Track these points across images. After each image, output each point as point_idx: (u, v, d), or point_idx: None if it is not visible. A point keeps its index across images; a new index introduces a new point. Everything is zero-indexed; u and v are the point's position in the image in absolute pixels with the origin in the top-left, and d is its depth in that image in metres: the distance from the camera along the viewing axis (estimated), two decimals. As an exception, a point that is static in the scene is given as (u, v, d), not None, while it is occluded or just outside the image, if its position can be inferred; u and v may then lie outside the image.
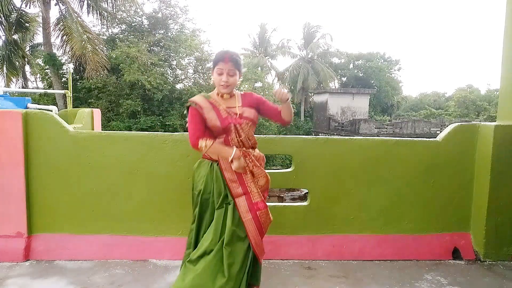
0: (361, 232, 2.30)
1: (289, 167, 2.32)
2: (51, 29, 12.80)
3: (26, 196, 2.14)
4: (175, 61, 15.87)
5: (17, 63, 14.82)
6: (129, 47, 13.65)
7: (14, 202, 2.13)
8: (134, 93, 14.36)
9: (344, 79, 30.96)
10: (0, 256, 2.09)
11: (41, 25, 13.47)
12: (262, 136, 2.26)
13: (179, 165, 2.20)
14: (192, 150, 2.20)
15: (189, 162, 2.21)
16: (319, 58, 27.47)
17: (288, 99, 1.55)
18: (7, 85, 13.95)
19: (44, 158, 2.16)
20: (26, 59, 15.81)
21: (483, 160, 2.28)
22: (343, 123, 21.09)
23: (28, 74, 17.62)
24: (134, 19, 15.86)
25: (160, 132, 2.31)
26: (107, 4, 13.41)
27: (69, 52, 12.75)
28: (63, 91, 9.53)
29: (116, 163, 2.19)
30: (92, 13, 13.30)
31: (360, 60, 30.63)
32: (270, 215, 1.60)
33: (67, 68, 12.44)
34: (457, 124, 2.38)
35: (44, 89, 14.02)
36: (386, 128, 19.48)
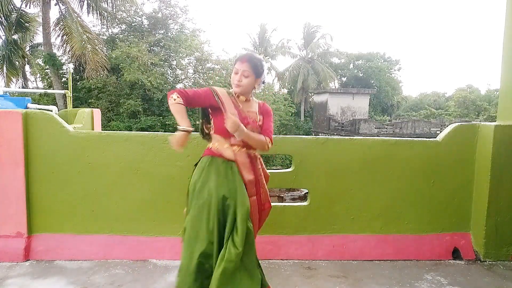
0: (361, 232, 2.30)
1: (289, 167, 2.32)
2: (51, 29, 12.80)
3: (26, 196, 2.14)
4: (175, 61, 15.87)
5: (17, 63, 14.82)
6: (129, 47, 13.65)
7: (14, 202, 2.13)
8: (134, 93, 14.36)
9: (344, 79, 30.96)
10: (0, 256, 2.09)
11: (41, 25, 13.46)
12: (262, 136, 2.25)
13: (179, 165, 2.20)
14: (192, 150, 2.20)
15: (189, 162, 2.21)
16: (319, 58, 27.48)
17: (235, 131, 1.41)
18: (7, 85, 13.95)
19: (44, 158, 2.16)
20: (26, 59, 15.81)
21: (483, 160, 2.28)
22: (343, 123, 21.09)
23: (28, 74, 17.64)
24: (134, 19, 15.86)
25: (160, 132, 2.31)
26: (107, 4, 13.41)
27: (69, 52, 12.76)
28: (63, 91, 9.53)
29: (116, 163, 2.19)
30: (92, 13, 13.31)
31: (360, 60, 30.63)
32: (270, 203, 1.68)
33: (67, 68, 12.44)
34: (457, 124, 2.38)
35: (44, 89, 14.02)
36: (386, 128, 19.47)
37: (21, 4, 12.83)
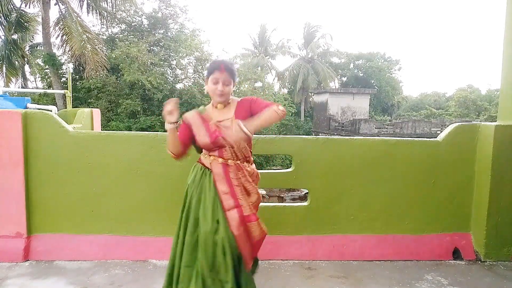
0: (361, 232, 2.30)
1: (289, 167, 2.32)
2: (51, 29, 12.79)
3: (26, 196, 2.14)
4: (175, 60, 15.86)
5: (17, 63, 14.81)
6: (129, 47, 13.64)
7: (14, 202, 2.12)
8: (133, 93, 14.34)
9: (344, 79, 30.97)
10: (-1, 257, 2.09)
11: (40, 24, 13.46)
12: (262, 136, 2.25)
13: (179, 165, 2.19)
14: (192, 150, 2.19)
15: (188, 162, 2.20)
16: (319, 58, 27.48)
17: (239, 138, 1.41)
18: (7, 85, 13.93)
19: (43, 158, 2.15)
20: (25, 59, 15.79)
21: (483, 160, 2.28)
22: (343, 123, 21.08)
23: (27, 74, 17.61)
24: (134, 19, 15.85)
25: (160, 132, 2.30)
26: (107, 4, 13.40)
27: (69, 52, 12.74)
28: (62, 91, 9.52)
29: (115, 163, 2.18)
30: (92, 13, 13.30)
31: (360, 60, 30.64)
32: (264, 228, 1.55)
33: (66, 68, 12.45)
34: (457, 124, 2.38)
35: (43, 89, 14.01)
36: (387, 128, 19.46)
37: (21, 4, 12.82)
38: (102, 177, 2.18)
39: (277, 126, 17.48)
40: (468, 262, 2.26)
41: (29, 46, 17.03)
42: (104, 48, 14.35)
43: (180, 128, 1.57)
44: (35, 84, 18.57)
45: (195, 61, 16.00)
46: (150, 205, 2.22)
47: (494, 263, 2.25)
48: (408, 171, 2.31)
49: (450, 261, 2.28)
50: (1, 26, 12.63)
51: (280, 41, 28.47)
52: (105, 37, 15.49)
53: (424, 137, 2.90)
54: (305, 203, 2.31)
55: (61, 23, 12.54)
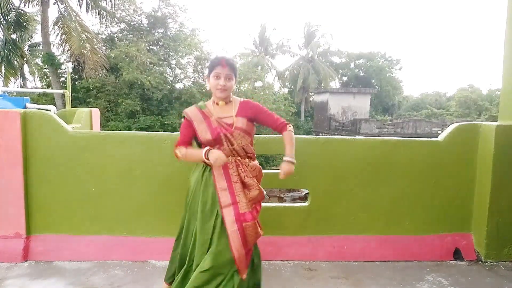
0: (362, 233, 2.29)
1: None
2: (50, 28, 12.76)
3: (25, 197, 2.13)
4: (174, 60, 15.83)
5: (16, 62, 14.77)
6: (128, 46, 13.61)
7: (13, 202, 2.11)
8: (133, 92, 14.32)
9: (344, 78, 30.94)
10: (-2, 257, 2.08)
11: (39, 24, 13.42)
12: (262, 136, 2.24)
13: (178, 165, 2.18)
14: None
15: (188, 162, 2.19)
16: (320, 57, 27.46)
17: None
18: (6, 85, 13.91)
19: (42, 158, 2.14)
20: (24, 59, 15.75)
21: (484, 160, 2.27)
22: (343, 123, 21.07)
23: (26, 74, 17.57)
24: (133, 18, 15.81)
25: (159, 132, 2.29)
26: (106, 3, 13.38)
27: (68, 52, 12.72)
28: (61, 91, 9.51)
29: (115, 163, 2.17)
30: (91, 12, 13.26)
31: (361, 60, 30.60)
32: (260, 229, 1.53)
33: (65, 68, 12.43)
34: (458, 124, 2.37)
35: (42, 88, 13.98)
36: (387, 128, 19.44)
37: (20, 3, 12.79)
38: (101, 177, 2.17)
39: (277, 126, 17.38)
40: (469, 263, 2.26)
41: (28, 46, 16.99)
42: (104, 47, 14.33)
43: (182, 125, 1.58)
44: (34, 84, 18.55)
45: (194, 60, 15.98)
46: (150, 205, 2.21)
47: (495, 263, 2.25)
48: (409, 171, 2.30)
49: (451, 261, 2.28)
50: (0, 26, 12.60)
51: (280, 40, 28.46)
52: (104, 37, 15.45)
53: (425, 137, 2.89)
54: (306, 204, 2.30)
55: (60, 22, 12.51)
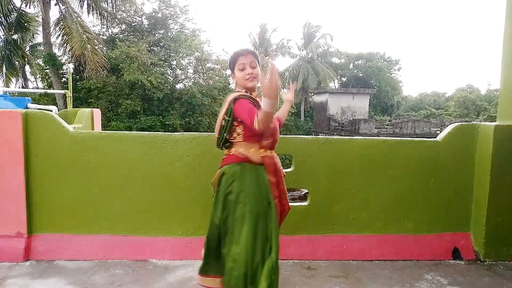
0: (361, 232, 2.30)
1: (289, 167, 2.32)
2: (51, 29, 12.79)
3: (26, 196, 2.14)
4: (175, 61, 15.86)
5: (17, 63, 14.82)
6: (128, 47, 13.64)
7: (14, 202, 2.13)
8: (134, 93, 14.35)
9: (344, 79, 30.95)
10: (0, 256, 2.09)
11: (41, 25, 13.46)
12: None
13: (179, 165, 2.20)
14: (192, 150, 2.20)
15: (188, 162, 2.21)
16: (319, 58, 27.45)
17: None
18: (7, 85, 13.94)
19: (44, 158, 2.16)
20: (26, 59, 15.80)
21: (483, 160, 2.28)
22: (343, 123, 21.08)
23: (28, 74, 17.63)
24: (134, 19, 15.86)
25: (160, 132, 2.31)
26: (107, 4, 13.41)
27: (69, 52, 12.75)
28: (63, 91, 9.52)
29: (116, 163, 2.18)
30: (92, 13, 13.30)
31: (360, 60, 30.62)
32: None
33: (67, 68, 12.43)
34: (457, 124, 2.38)
35: (44, 89, 14.02)
36: (386, 128, 19.45)
37: (21, 4, 12.83)
38: (102, 177, 2.19)
39: (277, 126, 17.41)
40: (468, 262, 2.27)
41: (29, 46, 17.04)
42: (105, 48, 14.37)
43: (246, 102, 1.40)
44: (36, 84, 18.58)
45: (195, 61, 16.01)
46: (151, 205, 2.22)
47: (493, 262, 2.26)
48: (408, 171, 2.31)
49: (450, 261, 2.28)
50: (1, 26, 12.63)
51: (280, 41, 28.46)
52: (105, 37, 15.50)
53: (423, 137, 2.90)
54: (305, 203, 2.31)
55: (61, 23, 12.55)
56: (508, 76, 2.43)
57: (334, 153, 2.27)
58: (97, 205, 2.20)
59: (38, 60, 16.16)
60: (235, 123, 1.47)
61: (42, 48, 14.89)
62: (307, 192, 2.36)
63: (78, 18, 12.69)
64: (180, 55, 15.39)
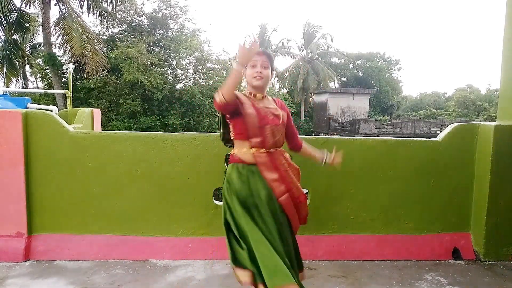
0: (361, 232, 2.30)
1: (289, 167, 2.32)
2: (51, 29, 12.80)
3: (26, 196, 2.14)
4: (175, 61, 15.86)
5: (17, 63, 14.81)
6: (128, 47, 13.65)
7: (14, 202, 2.13)
8: (134, 93, 14.36)
9: (344, 79, 30.98)
10: (0, 256, 2.09)
11: (41, 25, 13.46)
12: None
13: (179, 165, 2.20)
14: (192, 150, 2.20)
15: (189, 162, 2.21)
16: (319, 58, 27.45)
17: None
18: (7, 85, 13.94)
19: (44, 158, 2.16)
20: (26, 59, 15.79)
21: (483, 160, 2.28)
22: (343, 123, 21.09)
23: (28, 74, 17.61)
24: (134, 19, 15.86)
25: (160, 132, 2.31)
26: (107, 4, 13.41)
27: (69, 52, 12.76)
28: (63, 91, 9.53)
29: (116, 163, 2.19)
30: (92, 13, 13.31)
31: (360, 60, 30.65)
32: (307, 207, 1.60)
33: (67, 68, 12.44)
34: (457, 124, 2.38)
35: (44, 89, 14.02)
36: (386, 128, 19.46)
37: (21, 4, 12.84)
38: (102, 177, 2.19)
39: (277, 126, 17.42)
40: (468, 262, 2.27)
41: (29, 46, 17.04)
42: (105, 48, 14.37)
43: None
44: (36, 84, 18.58)
45: (195, 61, 16.01)
46: (150, 205, 2.22)
47: (493, 262, 2.26)
48: (408, 171, 2.31)
49: (450, 260, 2.28)
50: (2, 26, 12.64)
51: (280, 41, 28.47)
52: (105, 37, 15.50)
53: (423, 137, 2.90)
54: (305, 203, 2.31)
55: (62, 23, 12.55)
56: (508, 76, 2.43)
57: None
58: (97, 205, 2.20)
59: (38, 60, 16.15)
60: (227, 120, 1.50)
61: (42, 48, 14.89)
62: (307, 192, 2.36)
63: (78, 18, 12.69)
64: (180, 55, 15.39)
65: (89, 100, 14.36)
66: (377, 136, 17.16)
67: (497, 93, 19.28)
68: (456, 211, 2.36)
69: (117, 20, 15.31)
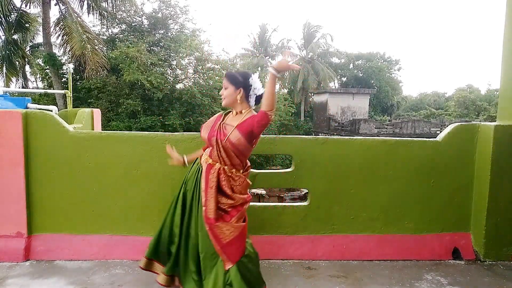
0: (361, 232, 2.30)
1: (289, 167, 2.32)
2: (51, 29, 12.80)
3: (26, 196, 2.14)
4: (175, 61, 15.85)
5: (17, 63, 14.81)
6: (128, 47, 13.65)
7: (14, 202, 2.13)
8: (134, 93, 14.35)
9: (344, 79, 30.97)
10: (0, 256, 2.09)
11: (41, 25, 13.47)
12: (262, 136, 2.25)
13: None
14: (192, 150, 2.20)
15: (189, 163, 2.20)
16: (319, 58, 27.45)
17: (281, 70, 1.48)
18: (7, 85, 13.95)
19: (44, 158, 2.16)
20: (26, 59, 15.80)
21: (483, 160, 2.28)
22: (343, 123, 21.09)
23: (28, 74, 17.62)
24: (134, 19, 15.85)
25: (160, 132, 2.31)
26: (107, 4, 13.42)
27: (69, 52, 12.76)
28: (63, 91, 9.53)
29: (116, 163, 2.19)
30: (92, 13, 13.31)
31: (360, 60, 30.64)
32: (237, 227, 1.54)
33: (67, 68, 12.43)
34: (457, 124, 2.38)
35: (44, 89, 14.01)
36: (386, 128, 19.46)
37: (21, 4, 12.84)
38: (102, 177, 2.19)
39: (277, 126, 17.46)
40: (468, 262, 2.27)
41: (29, 46, 17.03)
42: (105, 48, 14.37)
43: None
44: (36, 84, 18.59)
45: (195, 61, 16.00)
46: (150, 205, 2.22)
47: (493, 262, 2.26)
48: (408, 171, 2.31)
49: (450, 261, 2.29)
50: (2, 26, 12.64)
51: (280, 41, 28.49)
52: (105, 38, 15.50)
53: (423, 137, 2.90)
54: (305, 203, 2.31)
55: (62, 23, 12.55)
56: (508, 76, 2.43)
57: (334, 153, 2.27)
58: (97, 205, 2.20)
59: (38, 60, 16.14)
60: None
61: (42, 48, 14.88)
62: (307, 192, 2.36)
63: (78, 18, 12.69)
64: (180, 55, 15.38)
65: (89, 100, 14.36)
66: (377, 136, 17.16)
67: (497, 93, 19.28)
68: (456, 211, 2.36)
69: (117, 20, 15.30)
